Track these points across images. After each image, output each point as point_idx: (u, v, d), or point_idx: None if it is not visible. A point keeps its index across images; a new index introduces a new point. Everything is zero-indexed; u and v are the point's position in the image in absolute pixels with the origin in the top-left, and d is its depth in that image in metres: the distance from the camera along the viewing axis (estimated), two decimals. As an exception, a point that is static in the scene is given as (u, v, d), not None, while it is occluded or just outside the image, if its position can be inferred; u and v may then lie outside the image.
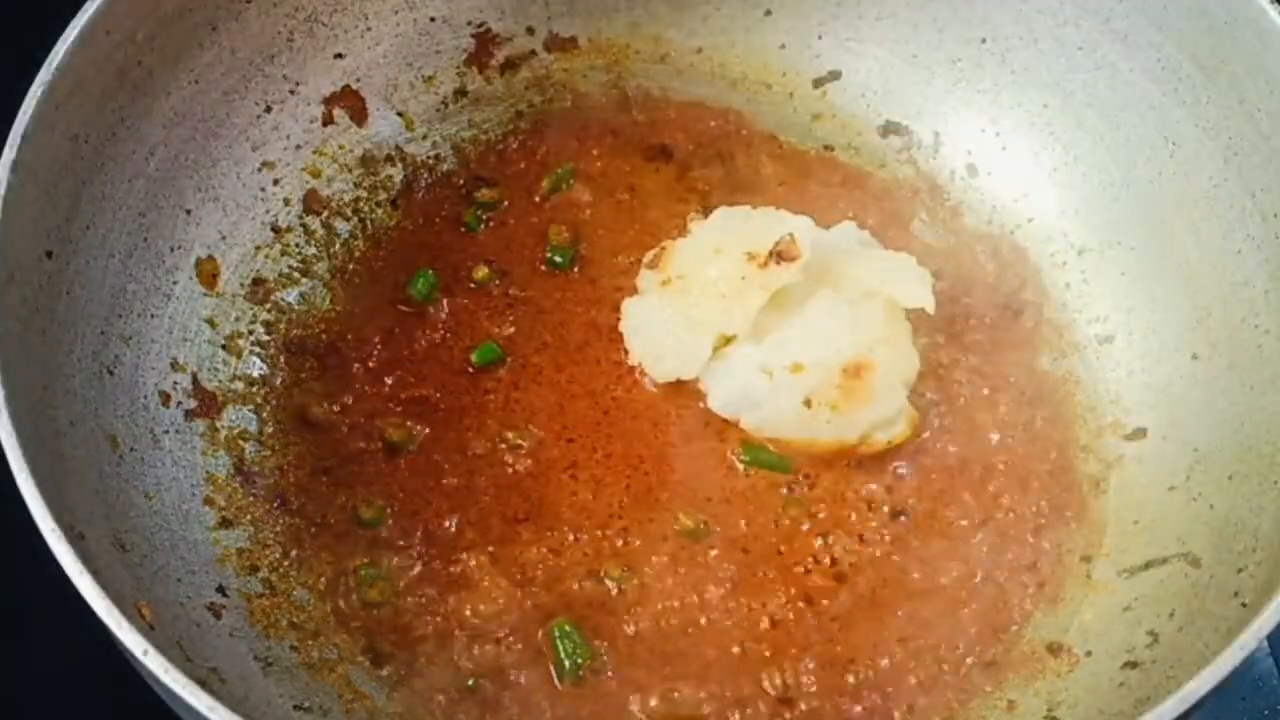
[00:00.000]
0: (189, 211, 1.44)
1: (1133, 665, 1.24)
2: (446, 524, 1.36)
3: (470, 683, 1.29)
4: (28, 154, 1.23)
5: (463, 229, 1.54)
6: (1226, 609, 1.19)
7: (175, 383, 1.39)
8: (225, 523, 1.35)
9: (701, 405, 1.42)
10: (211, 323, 1.44)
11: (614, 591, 1.32)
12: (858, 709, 1.27)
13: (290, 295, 1.49)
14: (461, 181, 1.58)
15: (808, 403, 1.37)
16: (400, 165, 1.58)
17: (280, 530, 1.36)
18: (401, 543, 1.36)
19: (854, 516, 1.37)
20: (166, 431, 1.36)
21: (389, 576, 1.34)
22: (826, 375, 1.36)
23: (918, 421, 1.41)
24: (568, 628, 1.29)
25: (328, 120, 1.55)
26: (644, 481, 1.38)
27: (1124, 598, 1.32)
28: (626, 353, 1.45)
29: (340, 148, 1.56)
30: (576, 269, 1.52)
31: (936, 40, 1.57)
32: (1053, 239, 1.53)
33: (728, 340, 1.40)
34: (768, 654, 1.30)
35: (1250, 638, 1.08)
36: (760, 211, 1.47)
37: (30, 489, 1.09)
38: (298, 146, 1.53)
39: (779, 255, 1.38)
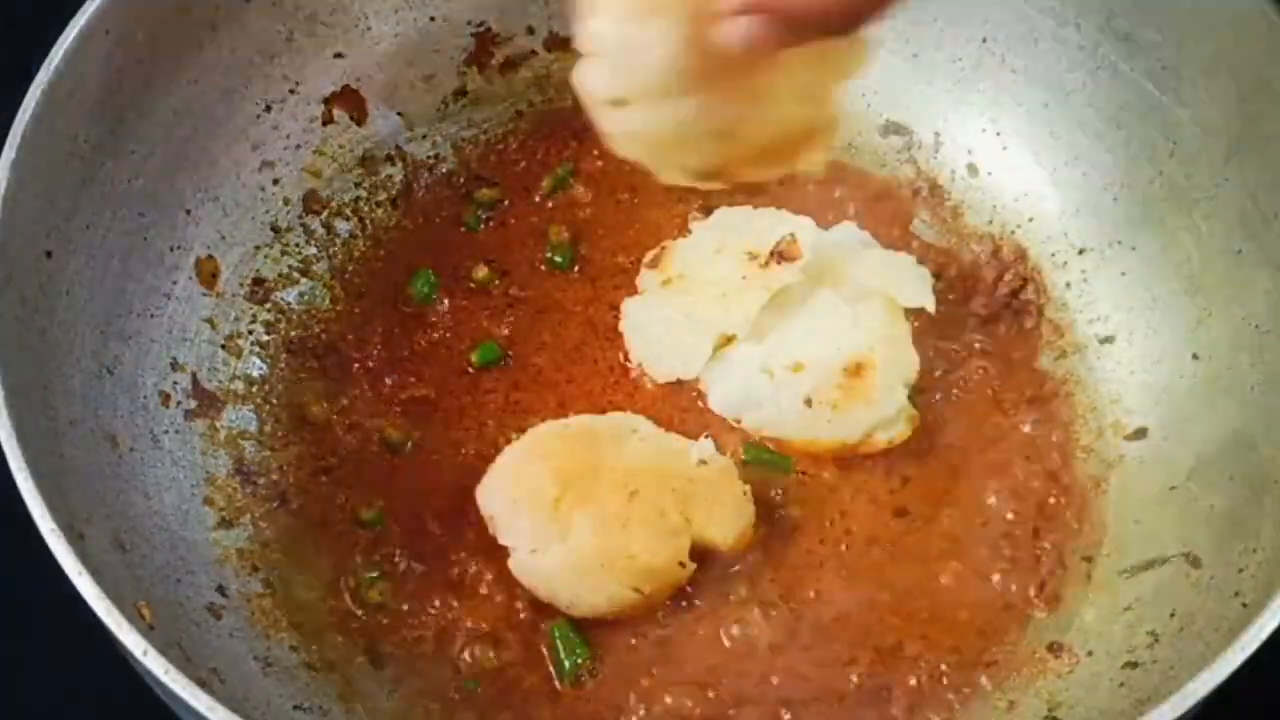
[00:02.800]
0: (189, 211, 1.44)
1: (1133, 665, 1.24)
2: (446, 524, 1.36)
3: (470, 683, 1.29)
4: (28, 154, 1.23)
5: (463, 229, 1.54)
6: (1227, 609, 1.19)
7: (175, 383, 1.39)
8: (225, 523, 1.35)
9: (701, 406, 1.42)
10: (211, 323, 1.44)
11: (614, 591, 1.32)
12: (857, 709, 1.27)
13: (290, 295, 1.49)
14: (461, 181, 1.58)
15: (808, 402, 1.37)
16: (400, 165, 1.57)
17: (280, 530, 1.36)
18: (401, 543, 1.36)
19: (853, 516, 1.37)
20: (166, 431, 1.36)
21: (389, 576, 1.34)
22: (827, 375, 1.36)
23: (918, 421, 1.40)
24: (568, 628, 1.29)
25: (328, 120, 1.55)
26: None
27: (1124, 598, 1.32)
28: (626, 354, 1.45)
29: (340, 148, 1.56)
30: (576, 269, 1.52)
31: (936, 40, 1.57)
32: (1053, 239, 1.53)
33: (728, 340, 1.40)
34: (767, 654, 1.30)
35: (1251, 638, 1.08)
36: (761, 211, 1.47)
37: (30, 489, 1.09)
38: (298, 146, 1.53)
39: (780, 255, 1.38)
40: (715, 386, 1.41)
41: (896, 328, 1.41)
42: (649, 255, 1.47)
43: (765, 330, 1.38)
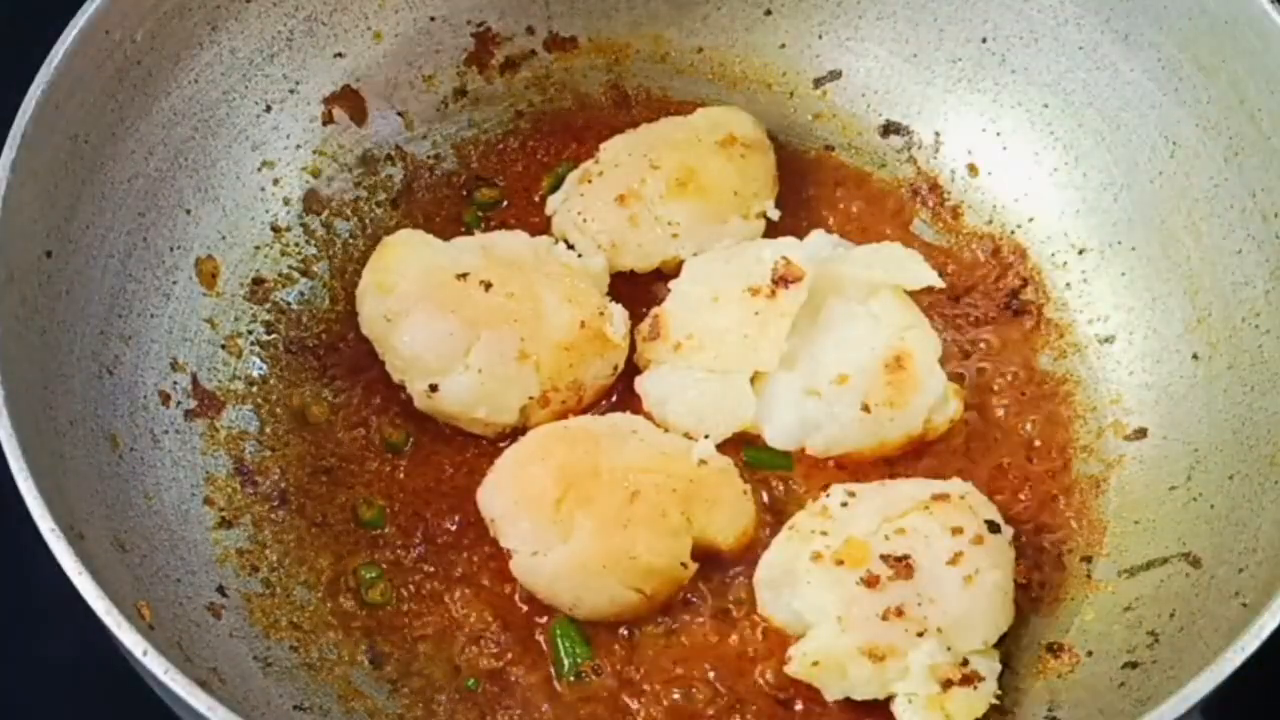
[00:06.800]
0: (189, 211, 1.44)
1: (1133, 665, 1.24)
2: (446, 524, 1.36)
3: (470, 683, 1.29)
4: (28, 154, 1.23)
5: (463, 229, 1.54)
6: (1227, 609, 1.19)
7: (175, 383, 1.39)
8: (225, 523, 1.35)
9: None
10: (211, 323, 1.44)
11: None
12: (858, 709, 1.27)
13: (290, 295, 1.49)
14: (461, 181, 1.58)
15: (866, 408, 1.36)
16: (400, 165, 1.57)
17: (280, 530, 1.36)
18: (401, 543, 1.36)
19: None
20: (166, 431, 1.36)
21: (389, 576, 1.34)
22: (873, 376, 1.36)
23: (964, 395, 1.41)
24: (568, 627, 1.29)
25: (328, 120, 1.55)
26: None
27: (1124, 598, 1.32)
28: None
29: (340, 148, 1.55)
30: (576, 269, 1.52)
31: (936, 40, 1.57)
32: (1053, 239, 1.53)
33: (756, 377, 1.38)
34: (767, 654, 1.30)
35: (1251, 638, 1.08)
36: (731, 250, 1.44)
37: (30, 489, 1.09)
38: (298, 146, 1.53)
39: (783, 279, 1.37)
40: (769, 424, 1.38)
41: (911, 312, 1.41)
42: (644, 328, 1.42)
43: (793, 355, 1.37)
